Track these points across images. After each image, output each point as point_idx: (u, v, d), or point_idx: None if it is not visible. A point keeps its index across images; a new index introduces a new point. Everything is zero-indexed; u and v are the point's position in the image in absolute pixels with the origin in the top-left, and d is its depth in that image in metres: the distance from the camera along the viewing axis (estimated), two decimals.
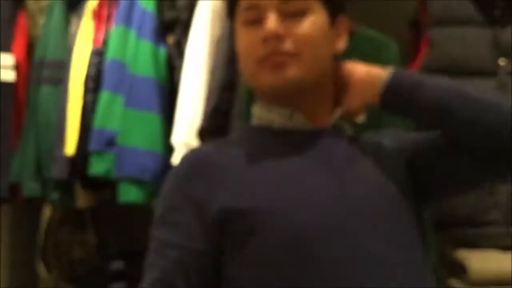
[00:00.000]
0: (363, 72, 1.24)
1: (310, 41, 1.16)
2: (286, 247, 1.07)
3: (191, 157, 1.22)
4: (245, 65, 1.19)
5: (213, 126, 2.09)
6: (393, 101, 1.22)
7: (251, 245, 1.08)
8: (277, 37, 1.14)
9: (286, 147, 1.17)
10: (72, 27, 2.53)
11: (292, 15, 1.16)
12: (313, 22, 1.17)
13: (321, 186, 1.13)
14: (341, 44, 1.25)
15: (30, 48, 2.66)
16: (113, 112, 2.31)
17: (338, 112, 1.24)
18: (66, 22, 2.55)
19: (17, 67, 2.62)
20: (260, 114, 1.25)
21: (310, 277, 1.04)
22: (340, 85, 1.26)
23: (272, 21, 1.14)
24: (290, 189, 1.12)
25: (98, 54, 2.40)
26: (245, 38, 1.18)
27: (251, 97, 1.99)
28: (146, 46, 2.32)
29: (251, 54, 1.16)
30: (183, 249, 1.11)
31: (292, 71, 1.14)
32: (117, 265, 2.47)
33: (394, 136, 1.29)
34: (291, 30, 1.16)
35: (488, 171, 1.22)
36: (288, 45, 1.15)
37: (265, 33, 1.14)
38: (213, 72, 2.15)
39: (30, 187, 2.51)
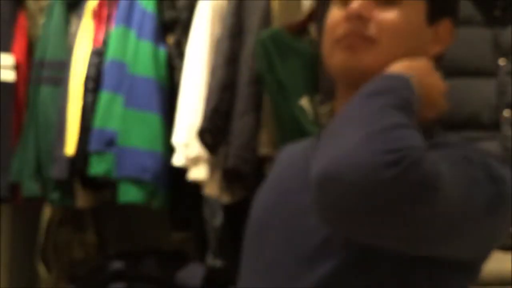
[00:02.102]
0: (442, 85, 1.17)
1: (395, 30, 1.07)
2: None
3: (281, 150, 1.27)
4: (324, 45, 1.10)
5: (213, 126, 2.09)
6: None
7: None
8: (359, 18, 1.06)
9: None
10: (72, 27, 2.53)
11: (384, 2, 1.07)
12: (404, 13, 1.08)
13: None
14: (437, 48, 1.15)
15: (30, 48, 2.66)
16: (113, 112, 2.31)
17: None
18: (66, 22, 2.55)
19: (17, 67, 2.62)
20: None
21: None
22: None
23: (358, 1, 1.06)
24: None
25: (98, 54, 2.40)
26: (330, 17, 1.10)
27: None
28: (146, 46, 2.32)
29: (331, 32, 1.09)
30: None
31: (368, 59, 1.06)
32: (117, 265, 2.47)
33: None
34: (378, 15, 1.07)
35: None
36: (369, 30, 1.06)
37: (347, 12, 1.06)
38: (213, 72, 2.15)
39: (30, 187, 2.51)
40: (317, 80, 2.04)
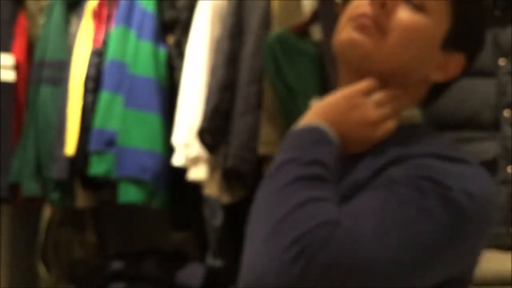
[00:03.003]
0: (372, 116, 1.09)
1: (409, 34, 1.04)
2: None
3: None
4: (340, 23, 1.06)
5: (213, 126, 2.09)
6: None
7: None
8: (382, 6, 1.03)
9: None
10: (72, 27, 2.53)
11: (413, 5, 1.04)
12: (426, 23, 1.04)
13: None
14: (439, 76, 1.09)
15: (30, 48, 2.66)
16: (113, 112, 2.31)
17: None
18: (66, 22, 2.55)
19: (17, 67, 2.62)
20: None
21: None
22: None
23: None
24: None
25: (98, 54, 2.40)
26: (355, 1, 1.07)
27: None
28: (146, 46, 2.32)
29: (350, 11, 1.06)
30: None
31: (371, 47, 1.03)
32: (117, 265, 2.48)
33: None
34: (400, 12, 1.04)
35: None
36: (385, 21, 1.03)
37: None
38: (213, 72, 2.15)
39: (30, 187, 2.51)
40: (325, 80, 2.04)
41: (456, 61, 1.10)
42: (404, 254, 0.90)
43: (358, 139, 1.03)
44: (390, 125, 1.04)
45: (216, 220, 2.24)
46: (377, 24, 1.03)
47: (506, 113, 2.16)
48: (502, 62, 2.16)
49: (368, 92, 1.03)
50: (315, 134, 0.99)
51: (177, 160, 2.21)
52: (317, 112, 1.03)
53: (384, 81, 1.05)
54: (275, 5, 2.14)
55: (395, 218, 0.91)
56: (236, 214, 2.13)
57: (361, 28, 1.04)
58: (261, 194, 0.97)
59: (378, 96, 1.04)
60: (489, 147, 2.17)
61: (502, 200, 2.16)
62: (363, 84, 1.03)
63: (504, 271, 2.07)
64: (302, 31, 2.09)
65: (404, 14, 1.04)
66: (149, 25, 2.34)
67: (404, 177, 0.95)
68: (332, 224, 0.88)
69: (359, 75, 1.05)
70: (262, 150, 2.05)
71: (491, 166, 2.18)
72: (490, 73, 2.17)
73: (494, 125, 2.17)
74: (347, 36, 1.04)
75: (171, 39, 2.35)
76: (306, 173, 0.94)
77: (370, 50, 1.03)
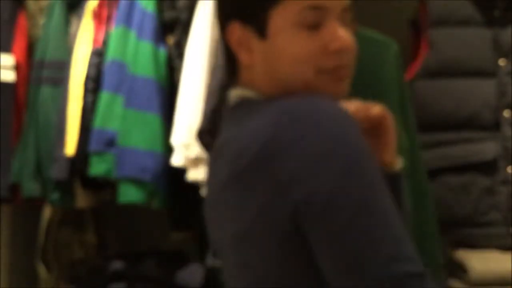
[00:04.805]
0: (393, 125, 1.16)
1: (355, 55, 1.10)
2: None
3: None
4: (299, 71, 1.05)
5: (213, 127, 2.09)
6: None
7: None
8: (351, 49, 1.07)
9: None
10: (72, 27, 2.53)
11: (346, 24, 1.07)
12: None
13: None
14: None
15: (30, 48, 2.66)
16: (113, 113, 2.31)
17: None
18: (66, 22, 2.55)
19: (17, 68, 2.62)
20: None
21: None
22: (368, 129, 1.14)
23: (345, 32, 1.05)
24: None
25: (98, 55, 2.40)
26: (302, 43, 1.05)
27: None
28: (146, 47, 2.32)
29: (311, 62, 1.05)
30: None
31: (347, 85, 1.08)
32: (117, 265, 2.47)
33: None
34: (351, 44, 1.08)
35: None
36: (350, 58, 1.08)
37: (341, 46, 1.05)
38: (213, 72, 2.15)
39: (30, 187, 2.51)
40: None
41: None
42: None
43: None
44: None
45: None
46: (348, 66, 1.08)
47: (506, 113, 2.17)
48: (502, 62, 2.17)
49: None
50: None
51: (176, 160, 2.21)
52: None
53: None
54: None
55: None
56: None
57: (342, 79, 1.07)
58: None
59: None
60: (489, 147, 2.18)
61: (502, 200, 2.17)
62: None
63: (504, 271, 2.07)
64: None
65: (353, 44, 1.08)
66: (149, 25, 2.34)
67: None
68: None
69: None
70: None
71: (491, 166, 2.18)
72: (490, 73, 2.17)
73: (494, 126, 2.18)
74: (334, 91, 1.07)
75: (171, 39, 2.35)
76: None
77: (347, 90, 1.09)
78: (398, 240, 0.93)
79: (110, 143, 2.30)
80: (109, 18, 2.43)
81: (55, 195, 2.45)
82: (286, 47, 1.05)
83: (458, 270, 2.17)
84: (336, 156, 0.94)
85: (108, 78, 2.34)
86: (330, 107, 0.99)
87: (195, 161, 2.15)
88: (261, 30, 1.06)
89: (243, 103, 1.10)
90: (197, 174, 2.16)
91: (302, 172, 0.94)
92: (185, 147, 2.16)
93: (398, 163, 1.16)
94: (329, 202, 0.93)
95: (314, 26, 1.05)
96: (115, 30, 2.37)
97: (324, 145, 0.95)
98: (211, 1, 2.22)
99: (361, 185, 0.94)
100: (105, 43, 2.40)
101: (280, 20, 1.05)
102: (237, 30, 1.09)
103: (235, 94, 1.13)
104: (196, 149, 2.13)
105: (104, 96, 2.33)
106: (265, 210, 0.98)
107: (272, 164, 0.96)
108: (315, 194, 0.94)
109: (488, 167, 2.18)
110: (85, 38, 2.43)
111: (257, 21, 1.07)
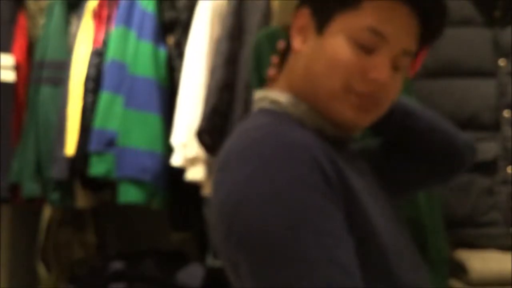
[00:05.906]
0: None
1: (394, 99, 1.13)
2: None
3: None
4: (330, 77, 1.06)
5: (212, 127, 2.09)
6: (385, 126, 1.25)
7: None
8: (383, 87, 1.08)
9: (344, 157, 1.11)
10: (72, 27, 2.53)
11: (398, 68, 1.09)
12: (400, 80, 1.11)
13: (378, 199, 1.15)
14: None
15: (30, 48, 2.66)
16: (113, 113, 2.31)
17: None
18: (66, 22, 2.55)
19: (17, 68, 2.63)
20: (312, 116, 1.12)
21: None
22: None
23: (387, 69, 1.06)
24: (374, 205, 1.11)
25: (98, 55, 2.40)
26: (348, 55, 1.05)
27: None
28: (146, 47, 2.32)
29: (345, 75, 1.05)
30: None
31: (369, 119, 1.10)
32: (117, 265, 2.47)
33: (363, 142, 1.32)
34: (391, 84, 1.10)
35: (432, 174, 1.33)
36: (381, 97, 1.09)
37: (376, 77, 1.05)
38: (212, 72, 2.15)
39: (30, 187, 2.51)
40: None
41: None
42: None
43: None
44: None
45: None
46: (378, 103, 1.09)
47: (506, 113, 2.16)
48: (502, 62, 2.16)
49: None
50: None
51: (176, 160, 2.21)
52: None
53: None
54: (275, 5, 2.14)
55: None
56: None
57: (365, 110, 1.08)
58: None
59: None
60: (489, 148, 2.17)
61: (502, 200, 2.17)
62: None
63: (504, 271, 2.07)
64: None
65: (394, 85, 1.10)
66: (149, 25, 2.34)
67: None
68: None
69: None
70: None
71: (491, 166, 2.18)
72: (490, 73, 2.17)
73: (494, 126, 2.17)
74: (350, 117, 1.07)
75: (171, 40, 2.35)
76: None
77: (367, 123, 1.11)
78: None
79: (110, 143, 2.30)
80: (109, 18, 2.43)
81: (55, 195, 2.45)
82: (332, 50, 1.06)
83: (458, 270, 2.17)
84: (260, 195, 0.94)
85: (108, 78, 2.35)
86: (279, 143, 0.99)
87: (194, 161, 2.15)
88: (322, 26, 1.08)
89: (261, 112, 1.13)
90: (196, 174, 2.16)
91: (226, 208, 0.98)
92: (184, 147, 2.17)
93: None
94: (243, 239, 0.94)
95: (367, 49, 1.06)
96: (115, 30, 2.37)
97: (252, 183, 0.96)
98: (211, 1, 2.22)
99: (281, 226, 0.91)
100: (105, 43, 2.40)
101: (342, 25, 1.07)
102: (305, 16, 1.11)
103: (258, 97, 1.16)
104: (194, 149, 2.13)
105: (104, 96, 2.33)
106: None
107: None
108: (233, 231, 0.96)
109: (488, 167, 2.18)
110: (85, 38, 2.43)
111: (323, 16, 1.09)
